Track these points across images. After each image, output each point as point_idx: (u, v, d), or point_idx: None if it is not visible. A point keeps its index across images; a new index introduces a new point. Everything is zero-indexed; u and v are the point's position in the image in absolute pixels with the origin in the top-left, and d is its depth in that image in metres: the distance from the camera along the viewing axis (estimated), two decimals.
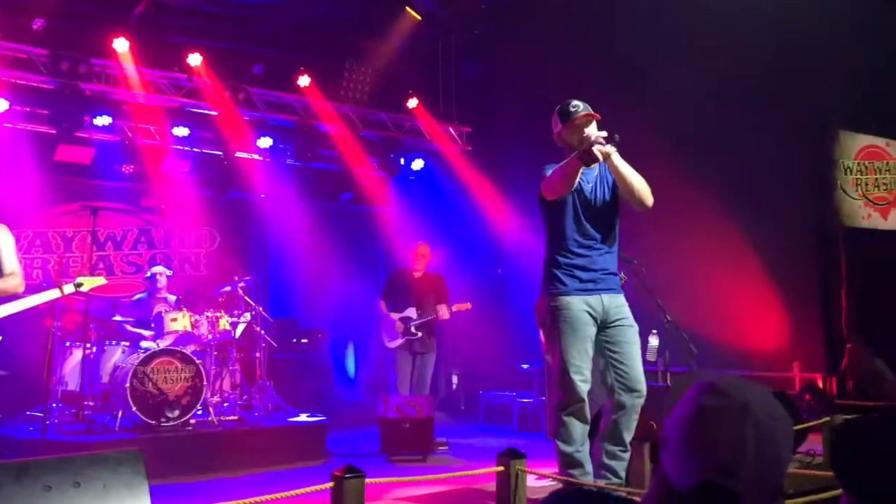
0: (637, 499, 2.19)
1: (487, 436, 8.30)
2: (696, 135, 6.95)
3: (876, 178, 7.16)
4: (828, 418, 5.35)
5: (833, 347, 7.01)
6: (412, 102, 9.86)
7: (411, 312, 7.78)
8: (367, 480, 3.51)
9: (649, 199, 4.08)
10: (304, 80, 9.15)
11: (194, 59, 8.43)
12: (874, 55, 6.82)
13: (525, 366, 9.01)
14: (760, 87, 7.12)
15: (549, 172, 4.09)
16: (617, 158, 4.02)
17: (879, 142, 7.22)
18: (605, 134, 3.92)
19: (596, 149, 3.81)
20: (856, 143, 7.15)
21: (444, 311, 7.73)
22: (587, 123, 4.04)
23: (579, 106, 4.10)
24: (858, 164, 7.13)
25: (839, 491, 1.47)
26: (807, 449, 5.70)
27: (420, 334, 7.75)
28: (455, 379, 10.44)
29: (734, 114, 7.32)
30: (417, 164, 10.26)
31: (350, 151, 9.71)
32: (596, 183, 4.18)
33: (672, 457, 1.36)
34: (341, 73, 9.54)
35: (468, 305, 7.92)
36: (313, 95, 9.28)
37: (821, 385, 6.94)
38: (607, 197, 4.18)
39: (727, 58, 7.17)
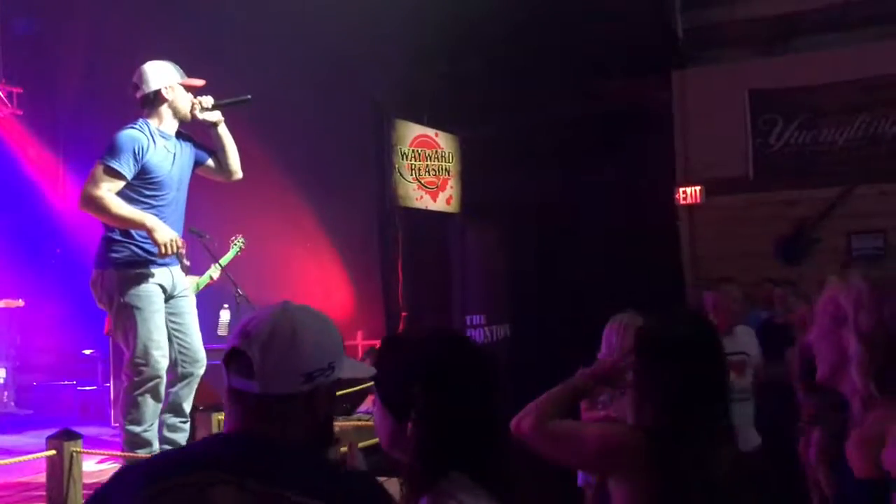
0: None
1: (42, 430, 7.50)
2: (267, 113, 7.01)
3: (427, 165, 8.03)
4: None
5: (391, 316, 7.72)
6: None
7: None
8: None
9: (240, 171, 4.22)
10: None
11: None
12: (427, 54, 7.62)
13: (88, 351, 8.35)
14: (333, 72, 7.47)
15: (124, 145, 3.79)
16: (224, 127, 4.10)
17: (430, 132, 8.12)
18: (212, 100, 4.02)
19: (205, 115, 3.97)
20: (410, 132, 7.93)
21: None
22: (194, 87, 4.02)
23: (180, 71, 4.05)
24: (413, 150, 7.92)
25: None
26: (366, 409, 6.22)
27: None
28: (2, 372, 9.25)
29: (306, 96, 7.58)
30: None
31: None
32: (165, 152, 3.97)
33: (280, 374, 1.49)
34: None
35: (20, 303, 7.06)
36: None
37: None
38: (180, 168, 4.05)
39: (304, 38, 7.37)
